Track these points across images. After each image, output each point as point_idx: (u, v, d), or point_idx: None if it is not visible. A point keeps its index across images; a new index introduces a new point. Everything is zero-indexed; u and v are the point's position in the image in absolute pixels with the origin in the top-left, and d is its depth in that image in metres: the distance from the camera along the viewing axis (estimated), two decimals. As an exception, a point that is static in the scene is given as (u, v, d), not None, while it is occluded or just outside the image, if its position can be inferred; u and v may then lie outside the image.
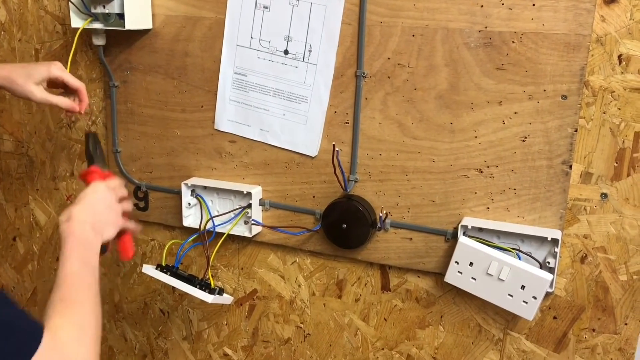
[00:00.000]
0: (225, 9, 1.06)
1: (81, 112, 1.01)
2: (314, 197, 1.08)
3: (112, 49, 1.16)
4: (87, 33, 1.13)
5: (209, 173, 1.15)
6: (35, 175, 1.33)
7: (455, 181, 0.98)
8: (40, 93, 0.97)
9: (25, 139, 1.32)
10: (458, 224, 0.97)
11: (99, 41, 1.13)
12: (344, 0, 0.98)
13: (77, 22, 1.09)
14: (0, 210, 1.40)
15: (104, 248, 0.89)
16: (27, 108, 1.29)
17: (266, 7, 1.03)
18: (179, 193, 1.14)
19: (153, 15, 1.11)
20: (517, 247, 0.95)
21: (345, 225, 1.03)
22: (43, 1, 1.20)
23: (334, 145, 0.97)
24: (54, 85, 1.00)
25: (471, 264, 0.94)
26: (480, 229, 0.96)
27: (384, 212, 1.02)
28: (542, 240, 0.93)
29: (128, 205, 0.96)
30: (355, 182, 1.04)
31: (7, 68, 0.97)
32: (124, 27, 1.05)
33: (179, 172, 1.17)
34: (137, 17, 1.08)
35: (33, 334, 0.65)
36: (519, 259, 0.93)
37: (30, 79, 0.96)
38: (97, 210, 0.89)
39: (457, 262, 0.96)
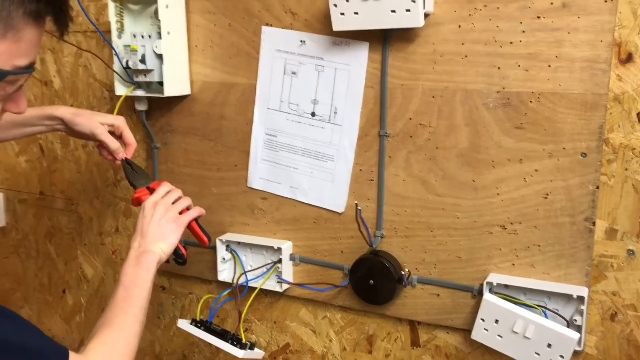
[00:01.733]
0: (257, 75, 1.12)
1: (126, 157, 1.06)
2: (342, 252, 1.11)
3: (154, 113, 1.24)
4: (131, 99, 1.22)
5: (243, 229, 1.20)
6: (84, 231, 1.42)
7: (480, 237, 0.99)
8: (103, 132, 1.02)
9: (75, 197, 1.41)
10: (484, 281, 0.97)
11: (141, 106, 1.21)
12: (367, 64, 1.03)
13: (121, 89, 1.18)
14: (51, 264, 1.48)
15: (180, 256, 0.97)
16: (77, 168, 1.38)
17: (294, 73, 1.09)
18: (214, 248, 1.19)
19: (191, 81, 1.18)
20: (543, 305, 0.94)
21: (372, 281, 1.05)
22: (92, 70, 1.30)
23: (356, 203, 1.00)
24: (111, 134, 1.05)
25: (497, 321, 0.94)
26: (506, 286, 0.97)
27: (407, 270, 1.04)
28: (568, 297, 0.92)
29: (185, 201, 1.00)
30: (382, 237, 1.07)
31: (74, 108, 1.05)
32: (163, 94, 1.13)
33: (215, 227, 1.23)
34: (176, 84, 1.15)
35: (58, 356, 0.69)
36: (545, 316, 0.93)
37: (96, 116, 1.03)
38: (150, 224, 0.94)
39: (482, 320, 0.96)
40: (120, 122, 1.05)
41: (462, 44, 0.95)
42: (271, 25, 1.10)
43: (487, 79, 0.94)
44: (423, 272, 1.05)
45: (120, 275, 0.89)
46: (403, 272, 1.04)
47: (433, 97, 0.99)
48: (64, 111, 1.03)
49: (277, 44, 1.09)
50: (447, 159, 0.99)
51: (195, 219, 1.01)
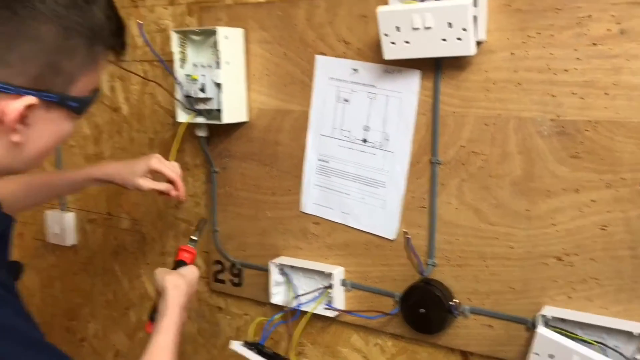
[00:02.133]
0: (310, 102, 1.15)
1: (179, 198, 1.13)
2: (393, 279, 1.11)
3: (214, 139, 1.28)
4: (193, 125, 1.27)
5: (296, 252, 1.22)
6: (147, 250, 1.48)
7: (535, 269, 0.97)
8: (145, 183, 1.11)
9: (140, 218, 1.47)
10: (538, 313, 0.94)
11: (201, 133, 1.26)
12: (418, 92, 1.03)
13: (182, 116, 1.23)
14: (116, 282, 1.55)
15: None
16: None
17: (346, 100, 1.11)
18: (268, 271, 1.21)
19: (249, 109, 1.22)
20: (601, 341, 0.90)
21: (423, 310, 1.04)
22: (157, 97, 1.37)
23: (404, 232, 1.00)
24: (157, 174, 1.13)
25: (552, 356, 0.91)
26: (562, 320, 0.93)
27: (456, 301, 1.02)
28: (629, 334, 0.88)
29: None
30: (433, 266, 1.06)
31: (113, 167, 1.13)
32: (222, 121, 1.17)
33: (269, 250, 1.25)
34: (234, 112, 1.19)
35: None
36: (604, 353, 0.89)
37: (135, 174, 1.11)
38: (191, 293, 1.00)
39: (537, 354, 0.93)
40: (154, 164, 1.11)
41: (516, 71, 0.94)
42: (325, 54, 1.12)
43: (541, 106, 0.92)
44: (476, 302, 1.03)
45: (165, 322, 0.92)
46: (455, 302, 1.02)
47: (486, 124, 0.98)
48: (106, 174, 1.13)
49: (330, 72, 1.12)
50: (500, 188, 0.98)
51: None
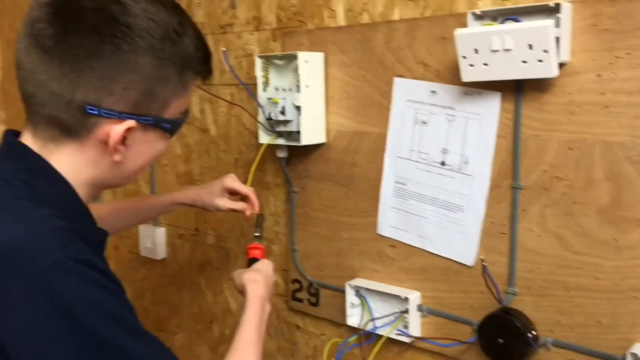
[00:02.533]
0: (388, 124, 1.15)
1: (254, 213, 1.18)
2: (471, 306, 1.07)
3: (293, 159, 1.31)
4: (273, 146, 1.30)
5: (372, 275, 1.21)
6: (230, 266, 1.52)
7: (624, 303, 0.90)
8: (223, 203, 1.17)
9: (224, 234, 1.52)
10: (628, 351, 0.88)
11: (281, 154, 1.29)
12: (499, 114, 1.00)
13: (264, 138, 1.27)
14: (201, 295, 1.61)
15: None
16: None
17: (424, 122, 1.09)
18: (344, 292, 1.22)
19: (327, 130, 1.24)
20: (699, 386, 0.83)
21: (502, 340, 1.00)
22: (243, 120, 1.42)
23: (481, 259, 0.97)
24: (233, 193, 1.18)
25: (642, 398, 0.85)
26: (655, 359, 0.86)
27: (537, 332, 0.97)
28: None
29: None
30: (514, 295, 1.01)
31: (194, 192, 1.21)
32: (300, 143, 1.20)
33: (346, 272, 1.25)
34: (312, 134, 1.21)
35: None
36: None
37: (213, 195, 1.17)
38: (270, 285, 1.05)
39: (625, 395, 0.87)
40: (228, 183, 1.17)
41: (602, 93, 0.89)
42: (403, 77, 1.11)
43: (631, 130, 0.87)
44: (558, 335, 0.97)
45: (247, 315, 0.95)
46: (536, 334, 0.97)
47: (570, 148, 0.93)
48: (188, 198, 1.21)
49: (409, 94, 1.11)
50: (586, 215, 0.93)
51: None
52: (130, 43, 0.71)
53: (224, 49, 1.38)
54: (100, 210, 1.18)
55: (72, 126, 0.73)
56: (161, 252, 1.68)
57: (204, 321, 1.62)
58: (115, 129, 0.73)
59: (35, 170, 0.75)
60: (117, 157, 0.76)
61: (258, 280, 1.01)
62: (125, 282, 1.80)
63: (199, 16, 1.48)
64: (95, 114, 0.72)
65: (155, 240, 1.67)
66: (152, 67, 0.73)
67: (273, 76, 1.26)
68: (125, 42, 0.71)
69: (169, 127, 0.79)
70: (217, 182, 1.18)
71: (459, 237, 1.07)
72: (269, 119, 1.23)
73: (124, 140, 0.75)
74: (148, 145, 0.79)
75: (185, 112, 0.83)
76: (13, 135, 0.79)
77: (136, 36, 0.71)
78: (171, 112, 0.79)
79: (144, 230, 1.70)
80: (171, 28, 0.74)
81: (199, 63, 0.80)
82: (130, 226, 1.37)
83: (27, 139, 0.77)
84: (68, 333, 0.65)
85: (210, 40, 1.46)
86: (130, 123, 0.74)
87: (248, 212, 1.17)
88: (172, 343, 1.72)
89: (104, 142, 0.74)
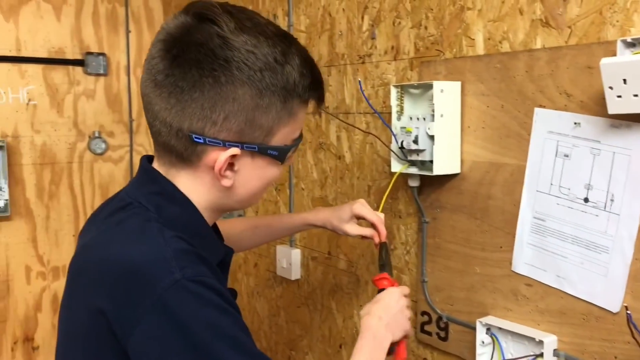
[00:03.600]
0: (527, 156, 1.09)
1: (381, 240, 1.17)
2: (615, 357, 0.98)
3: (425, 189, 1.30)
4: (406, 175, 1.30)
5: (504, 313, 1.15)
6: (360, 292, 1.53)
7: None
8: (351, 230, 1.19)
9: (355, 260, 1.54)
10: None
11: (413, 183, 1.29)
12: (652, 149, 0.91)
13: (396, 166, 1.27)
14: (332, 319, 1.64)
15: (391, 349, 1.02)
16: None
17: (567, 156, 1.03)
18: (475, 329, 1.17)
19: (461, 161, 1.21)
20: None
21: (650, 399, 0.90)
22: (377, 147, 1.44)
23: (625, 306, 0.88)
24: (362, 218, 1.19)
25: None
26: None
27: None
28: None
29: (410, 313, 1.08)
30: (666, 349, 0.91)
31: (324, 214, 1.23)
32: (433, 172, 1.18)
33: (477, 308, 1.21)
34: (446, 164, 1.19)
35: None
36: None
37: (342, 220, 1.19)
38: (391, 312, 1.03)
39: None
40: (356, 209, 1.17)
41: None
42: (544, 107, 1.06)
43: None
44: None
45: (360, 345, 0.95)
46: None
47: None
48: (319, 220, 1.23)
49: (550, 126, 1.05)
50: None
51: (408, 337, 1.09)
52: (228, 75, 0.74)
53: (359, 79, 1.41)
54: (239, 226, 1.26)
55: (183, 153, 0.78)
56: (296, 273, 1.74)
57: (333, 345, 1.64)
58: (221, 156, 0.77)
59: (164, 194, 0.81)
60: (225, 182, 0.79)
61: (370, 312, 1.01)
62: (262, 299, 1.91)
63: (339, 47, 1.53)
64: (201, 142, 0.76)
65: (290, 260, 1.74)
66: (251, 97, 0.76)
67: (408, 105, 1.26)
68: (224, 74, 0.74)
69: (276, 154, 0.81)
70: (347, 207, 1.20)
71: (602, 281, 0.99)
72: (402, 147, 1.23)
73: (231, 166, 0.79)
74: (258, 172, 0.82)
75: (298, 139, 0.85)
76: (147, 160, 0.86)
77: (234, 68, 0.74)
78: (278, 139, 0.81)
79: (281, 250, 1.77)
80: (272, 58, 0.76)
81: (305, 90, 0.80)
82: (264, 242, 1.42)
83: (156, 164, 0.84)
84: (184, 349, 0.69)
85: (349, 70, 1.51)
86: (234, 150, 0.77)
87: (376, 240, 1.17)
88: (302, 363, 1.76)
89: (213, 168, 0.78)
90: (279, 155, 0.82)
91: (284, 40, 0.79)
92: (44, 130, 2.19)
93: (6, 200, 2.06)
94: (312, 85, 0.82)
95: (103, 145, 2.28)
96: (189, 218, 0.81)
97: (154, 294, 0.69)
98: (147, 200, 0.81)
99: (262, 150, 0.80)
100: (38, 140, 2.18)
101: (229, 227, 1.16)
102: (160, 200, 0.80)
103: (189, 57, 0.74)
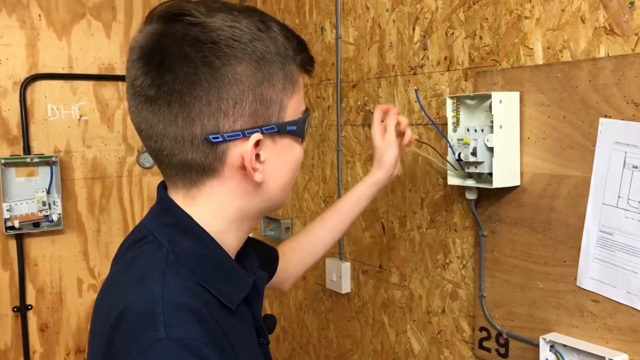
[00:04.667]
0: (592, 168, 1.06)
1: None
2: (693, 379, 0.94)
3: (483, 202, 1.27)
4: (462, 188, 1.28)
5: (569, 330, 1.12)
6: (414, 307, 1.51)
7: None
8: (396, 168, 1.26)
9: (408, 274, 1.52)
10: None
11: (471, 195, 1.26)
12: None
13: (453, 179, 1.25)
14: (384, 333, 1.61)
15: None
16: (412, 247, 1.50)
17: (635, 167, 0.99)
18: (538, 346, 1.13)
19: (521, 173, 1.18)
20: None
21: None
22: (430, 159, 1.41)
23: None
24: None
25: None
26: None
27: None
28: None
29: None
30: None
31: (374, 172, 1.25)
32: (492, 185, 1.15)
33: (539, 324, 1.17)
34: (505, 176, 1.17)
35: None
36: None
37: (385, 150, 1.25)
38: None
39: None
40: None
41: None
42: (610, 117, 1.03)
43: None
44: None
45: None
46: None
47: None
48: (374, 175, 1.24)
49: (617, 136, 1.02)
50: None
51: None
52: (221, 56, 0.69)
53: (415, 88, 1.39)
54: (310, 230, 1.25)
55: (205, 163, 0.72)
56: (346, 287, 1.72)
57: (385, 359, 1.62)
58: (246, 148, 0.72)
59: (178, 226, 0.75)
60: (257, 177, 0.74)
61: None
62: (311, 312, 1.90)
63: (390, 59, 1.52)
64: (220, 141, 0.71)
65: (340, 273, 1.72)
66: (251, 72, 0.71)
67: (463, 116, 1.24)
68: (216, 57, 0.69)
69: (295, 129, 0.76)
70: (383, 153, 1.23)
71: (678, 298, 0.95)
72: (459, 159, 1.21)
73: (258, 157, 0.73)
74: (283, 156, 0.77)
75: (306, 111, 0.80)
76: (164, 188, 0.80)
77: (224, 47, 0.69)
78: (291, 113, 0.76)
79: (330, 263, 1.76)
80: (255, 27, 0.72)
81: (296, 52, 0.76)
82: (341, 230, 1.28)
83: (172, 191, 0.78)
84: None
85: (400, 81, 1.49)
86: (257, 136, 0.72)
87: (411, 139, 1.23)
88: (353, 378, 1.74)
89: (241, 167, 0.73)
90: (298, 130, 0.77)
91: (255, 11, 0.75)
92: (95, 145, 2.23)
93: (59, 214, 2.10)
94: (299, 46, 0.77)
95: (151, 159, 2.31)
96: (205, 251, 0.75)
97: (138, 346, 0.64)
98: (161, 233, 0.75)
99: (281, 129, 0.75)
100: (89, 155, 2.22)
101: (305, 236, 1.20)
102: (174, 233, 0.75)
103: (174, 57, 0.69)
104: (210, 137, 0.71)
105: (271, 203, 0.80)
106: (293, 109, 0.76)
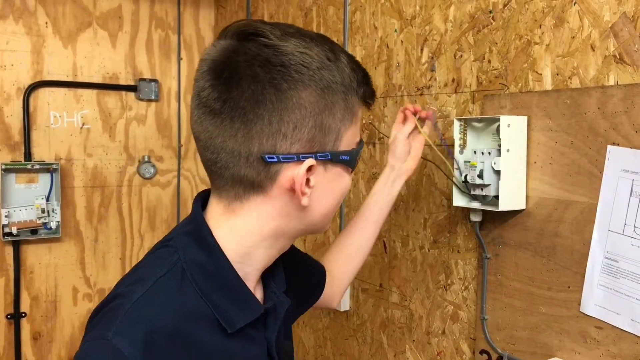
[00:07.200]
0: (598, 195, 1.07)
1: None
2: (697, 409, 0.93)
3: (487, 224, 1.27)
4: (467, 209, 1.28)
5: (572, 356, 1.11)
6: (413, 327, 1.50)
7: None
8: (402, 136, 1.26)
9: (409, 294, 1.52)
10: None
11: (476, 218, 1.26)
12: None
13: (458, 201, 1.25)
14: (382, 353, 1.60)
15: None
16: (413, 267, 1.50)
17: (643, 195, 1.00)
18: (539, 371, 1.13)
19: (527, 197, 1.19)
20: None
21: None
22: (434, 179, 1.42)
23: None
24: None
25: None
26: None
27: None
28: None
29: None
30: None
31: (392, 160, 1.26)
32: (498, 208, 1.16)
33: (541, 349, 1.17)
34: (511, 199, 1.17)
35: None
36: None
37: (396, 140, 1.27)
38: None
39: None
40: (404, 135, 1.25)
41: None
42: (618, 145, 1.04)
43: None
44: None
45: None
46: None
47: None
48: (394, 165, 1.25)
49: (624, 164, 1.03)
50: None
51: None
52: (289, 80, 0.71)
53: (434, 108, 1.40)
54: (342, 240, 1.23)
55: (255, 180, 0.74)
56: (345, 304, 1.72)
57: (382, 379, 1.61)
58: (298, 172, 0.73)
59: (194, 235, 0.77)
60: (304, 202, 0.75)
61: None
62: (308, 329, 1.89)
63: (396, 79, 1.53)
64: (275, 161, 0.72)
65: (339, 291, 1.71)
66: (315, 99, 0.72)
67: (470, 138, 1.25)
68: (284, 80, 0.71)
69: (348, 160, 0.78)
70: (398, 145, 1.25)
71: (683, 327, 0.95)
72: (466, 181, 1.21)
73: (308, 182, 0.74)
74: (332, 184, 0.78)
75: (360, 142, 0.81)
76: (201, 196, 0.82)
77: (293, 72, 0.71)
78: (345, 143, 0.77)
79: (329, 281, 1.75)
80: (324, 56, 0.73)
81: (360, 85, 0.78)
82: (373, 233, 1.24)
83: (212, 202, 0.79)
84: None
85: (406, 101, 1.50)
86: (310, 161, 0.73)
87: (423, 115, 1.24)
88: (349, 397, 1.73)
89: (289, 189, 0.74)
90: (350, 160, 0.78)
91: (326, 40, 0.77)
92: (96, 153, 2.23)
93: (58, 222, 2.09)
94: (364, 79, 0.79)
95: (152, 170, 2.31)
96: (216, 268, 0.75)
97: (89, 336, 0.70)
98: (180, 239, 0.77)
99: (334, 157, 0.76)
100: (90, 164, 2.22)
101: (336, 251, 1.20)
102: (190, 242, 0.76)
103: (243, 75, 0.71)
104: (266, 156, 0.72)
105: (310, 227, 0.81)
106: (348, 139, 0.78)
